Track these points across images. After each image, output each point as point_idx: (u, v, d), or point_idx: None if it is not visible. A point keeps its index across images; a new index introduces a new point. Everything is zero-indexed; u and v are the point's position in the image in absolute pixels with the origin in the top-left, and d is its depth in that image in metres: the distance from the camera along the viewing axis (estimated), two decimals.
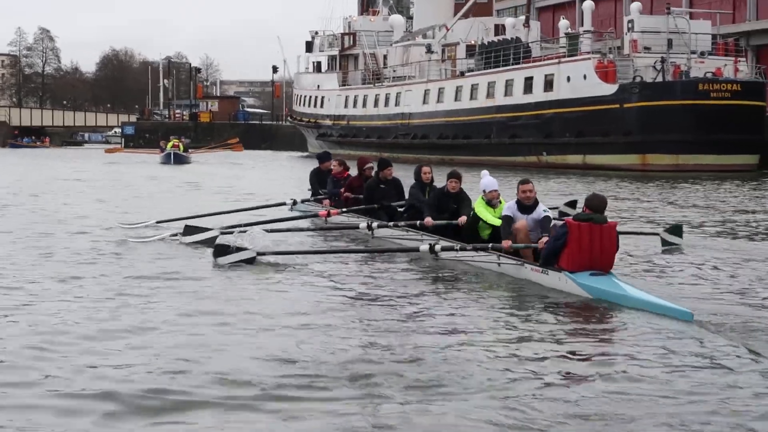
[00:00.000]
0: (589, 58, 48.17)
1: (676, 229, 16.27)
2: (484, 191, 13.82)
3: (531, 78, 51.51)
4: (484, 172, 14.20)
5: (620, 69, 47.37)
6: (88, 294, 11.07)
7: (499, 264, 12.58)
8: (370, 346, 8.60)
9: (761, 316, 10.03)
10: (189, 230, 15.49)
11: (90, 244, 15.83)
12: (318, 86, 75.69)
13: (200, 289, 11.52)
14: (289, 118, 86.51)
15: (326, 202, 19.41)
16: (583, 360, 8.26)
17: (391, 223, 15.92)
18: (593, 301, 10.79)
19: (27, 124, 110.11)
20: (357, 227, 16.16)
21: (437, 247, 13.27)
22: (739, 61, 48.16)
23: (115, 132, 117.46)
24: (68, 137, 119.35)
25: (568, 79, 48.73)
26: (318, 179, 20.80)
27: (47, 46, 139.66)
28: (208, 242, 14.43)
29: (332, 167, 20.38)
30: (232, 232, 14.77)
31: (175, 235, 15.84)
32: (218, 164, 57.81)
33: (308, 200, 20.60)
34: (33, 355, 8.18)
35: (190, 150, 62.10)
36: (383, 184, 17.63)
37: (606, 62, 47.52)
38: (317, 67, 78.05)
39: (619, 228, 11.98)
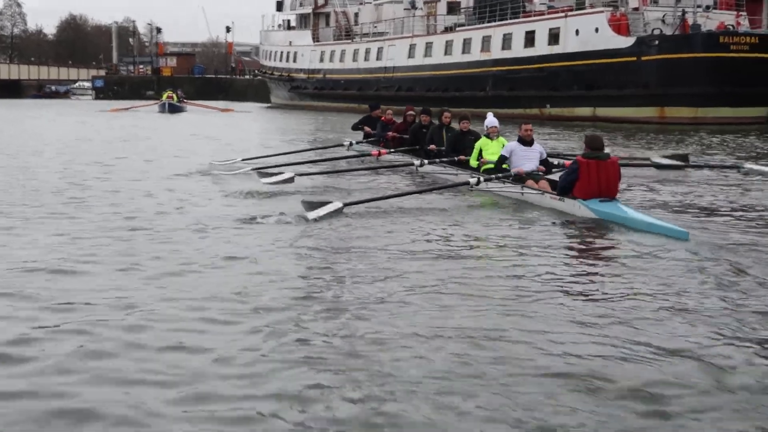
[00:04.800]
0: (602, 11, 37.88)
1: (682, 157, 15.85)
2: (486, 126, 13.51)
3: (533, 32, 40.98)
4: (489, 113, 13.91)
5: (631, 22, 37.27)
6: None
7: (522, 194, 11.71)
8: (422, 253, 8.28)
9: (750, 238, 9.01)
10: (264, 175, 13.09)
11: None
12: (290, 42, 63.73)
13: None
14: (256, 71, 74.62)
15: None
16: (588, 273, 7.56)
17: (437, 160, 14.75)
18: (602, 222, 10.04)
19: (5, 78, 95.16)
20: (408, 164, 15.06)
21: (480, 180, 12.09)
22: (740, 15, 38.45)
23: (80, 85, 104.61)
24: (38, 89, 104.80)
25: (577, 32, 38.46)
26: (368, 124, 19.90)
27: (15, 11, 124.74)
28: (284, 182, 12.82)
29: (381, 115, 19.44)
30: (270, 173, 13.53)
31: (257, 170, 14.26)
32: (212, 115, 47.03)
33: (361, 141, 19.51)
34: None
35: (183, 100, 51.77)
36: (425, 128, 16.63)
37: (619, 15, 37.34)
38: (287, 25, 66.09)
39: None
